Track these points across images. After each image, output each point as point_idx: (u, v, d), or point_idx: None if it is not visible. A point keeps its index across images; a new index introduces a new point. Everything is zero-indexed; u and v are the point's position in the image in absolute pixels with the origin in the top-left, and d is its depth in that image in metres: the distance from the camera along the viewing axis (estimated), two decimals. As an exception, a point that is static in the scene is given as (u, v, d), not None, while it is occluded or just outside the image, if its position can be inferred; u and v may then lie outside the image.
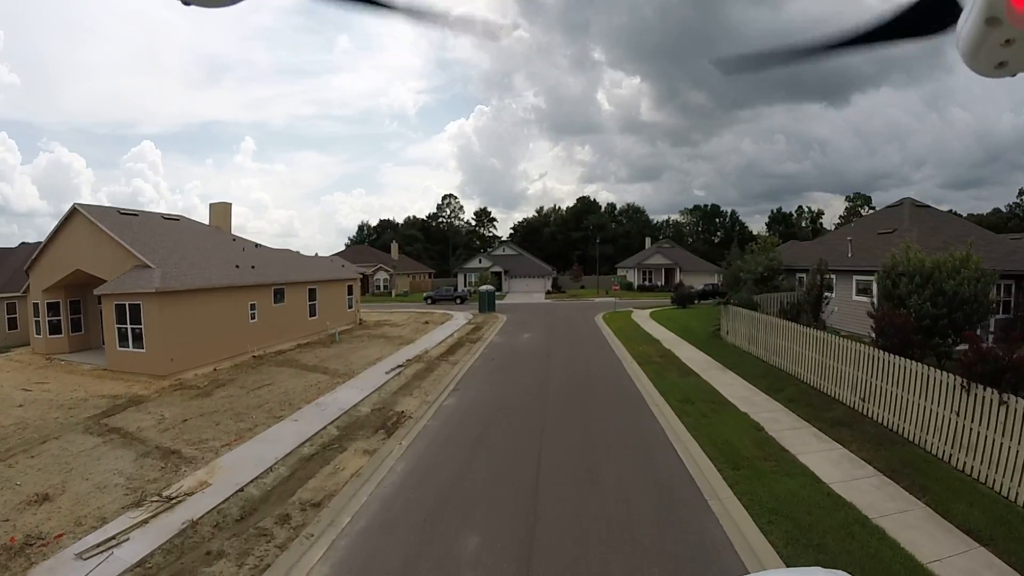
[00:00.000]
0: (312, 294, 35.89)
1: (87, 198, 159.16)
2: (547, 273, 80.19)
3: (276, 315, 31.54)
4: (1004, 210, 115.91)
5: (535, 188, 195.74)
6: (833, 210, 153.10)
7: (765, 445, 13.77)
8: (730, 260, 42.64)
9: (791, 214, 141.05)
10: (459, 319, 44.88)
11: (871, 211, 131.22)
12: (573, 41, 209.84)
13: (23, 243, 41.66)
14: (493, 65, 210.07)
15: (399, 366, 25.68)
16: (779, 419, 15.88)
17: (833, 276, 29.15)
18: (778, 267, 34.05)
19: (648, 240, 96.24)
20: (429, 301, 62.95)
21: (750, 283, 32.20)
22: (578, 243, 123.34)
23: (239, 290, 28.84)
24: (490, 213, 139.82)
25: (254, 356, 28.63)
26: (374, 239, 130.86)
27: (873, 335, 17.65)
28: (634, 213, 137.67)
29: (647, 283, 77.20)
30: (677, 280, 75.98)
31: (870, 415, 15.47)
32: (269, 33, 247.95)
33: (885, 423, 14.80)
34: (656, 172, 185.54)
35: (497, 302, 58.10)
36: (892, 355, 14.78)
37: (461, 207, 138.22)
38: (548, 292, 74.64)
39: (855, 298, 28.44)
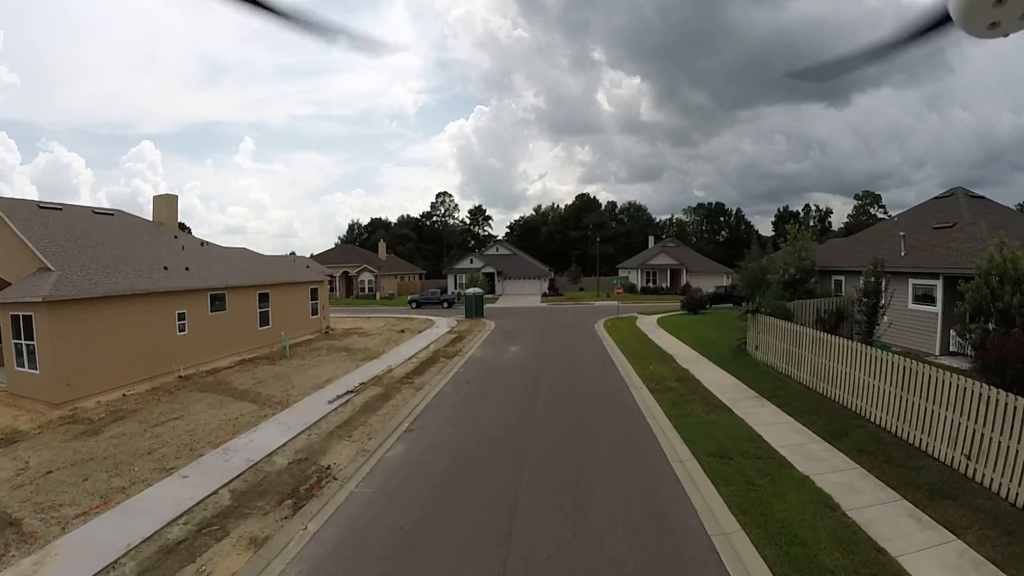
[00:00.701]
0: (264, 299, 30.95)
1: (86, 198, 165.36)
2: (543, 274, 75.21)
3: (214, 326, 26.59)
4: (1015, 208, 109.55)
5: (535, 189, 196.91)
6: (835, 211, 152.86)
7: (849, 540, 8.98)
8: (750, 259, 37.82)
9: (798, 213, 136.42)
10: (441, 327, 39.96)
11: (881, 210, 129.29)
12: (573, 41, 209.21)
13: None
14: (493, 65, 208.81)
15: (350, 391, 20.82)
16: (855, 486, 11.05)
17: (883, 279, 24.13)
18: (811, 268, 29.08)
19: (651, 239, 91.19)
20: (413, 305, 58.11)
21: (776, 286, 27.18)
22: (577, 242, 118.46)
23: (164, 296, 23.91)
24: (485, 211, 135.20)
25: (180, 377, 23.71)
26: (365, 239, 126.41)
27: (938, 352, 12.53)
28: (635, 211, 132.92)
29: (651, 285, 72.18)
30: (684, 282, 71.07)
31: (981, 480, 10.77)
32: (269, 34, 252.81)
33: (1006, 495, 10.13)
34: (656, 172, 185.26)
35: (488, 306, 53.37)
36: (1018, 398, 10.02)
37: (456, 205, 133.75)
38: (544, 295, 69.65)
39: (912, 306, 23.50)
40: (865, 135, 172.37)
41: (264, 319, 31.07)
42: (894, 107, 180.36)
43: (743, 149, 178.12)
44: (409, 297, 60.94)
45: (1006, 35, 2.66)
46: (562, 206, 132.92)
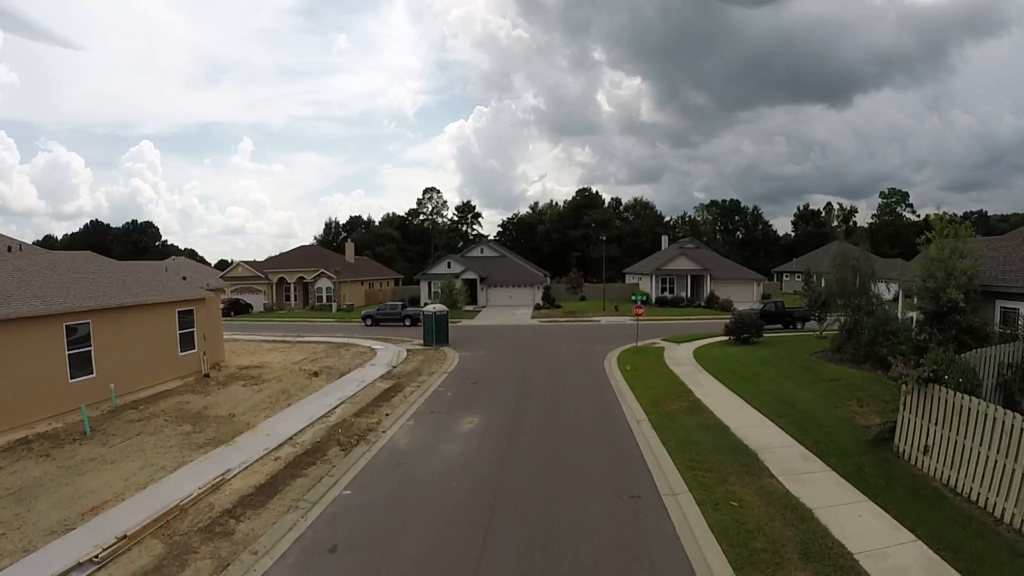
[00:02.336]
0: (78, 336, 19.09)
1: (85, 198, 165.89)
2: (536, 280, 63.45)
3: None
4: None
5: (534, 190, 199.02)
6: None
7: None
8: (845, 261, 26.75)
9: (819, 211, 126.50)
10: (380, 362, 28.81)
11: (908, 209, 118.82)
12: (573, 41, 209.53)
13: None
14: (492, 65, 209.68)
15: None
16: None
17: None
18: (974, 286, 17.60)
19: (664, 239, 79.43)
20: (367, 322, 46.87)
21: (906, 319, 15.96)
22: (577, 243, 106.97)
23: None
24: (474, 207, 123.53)
25: None
26: (343, 239, 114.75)
27: None
28: (642, 209, 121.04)
29: (668, 294, 60.45)
30: (708, 290, 59.31)
31: None
32: (269, 34, 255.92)
33: None
34: (656, 174, 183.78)
35: (464, 324, 42.24)
36: None
37: (445, 202, 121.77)
38: (537, 306, 58.01)
39: None
40: (866, 137, 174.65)
41: (80, 365, 19.33)
42: (895, 109, 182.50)
43: (743, 150, 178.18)
44: (363, 312, 49.21)
45: None
46: (561, 203, 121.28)
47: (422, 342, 34.40)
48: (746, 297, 59.94)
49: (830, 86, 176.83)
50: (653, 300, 59.25)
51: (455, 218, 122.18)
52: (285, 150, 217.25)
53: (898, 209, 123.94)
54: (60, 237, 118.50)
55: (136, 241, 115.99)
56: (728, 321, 33.32)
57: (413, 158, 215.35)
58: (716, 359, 27.10)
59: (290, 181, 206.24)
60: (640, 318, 34.67)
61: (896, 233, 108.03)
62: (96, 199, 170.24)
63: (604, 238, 65.64)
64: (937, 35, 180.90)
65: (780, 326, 39.36)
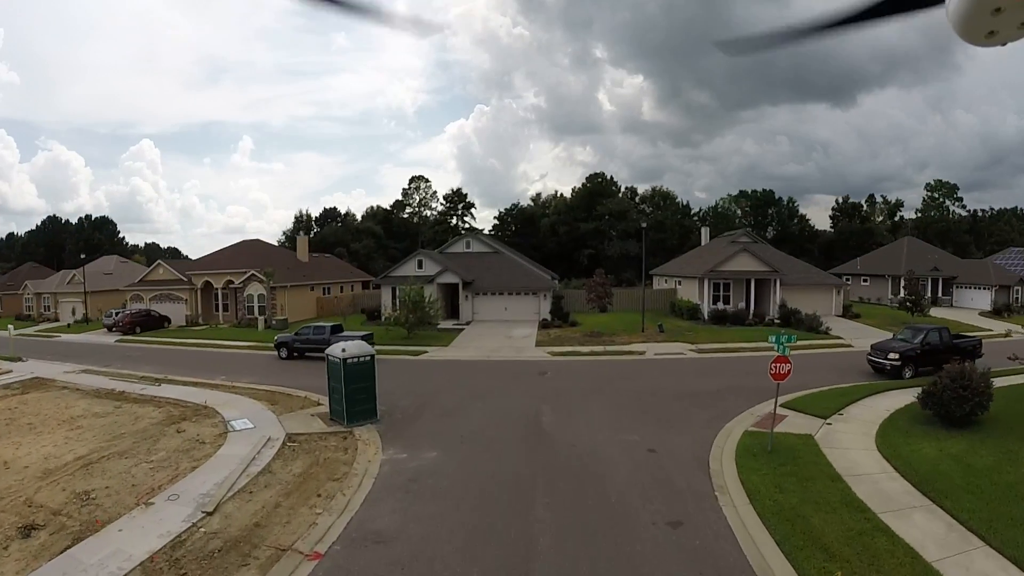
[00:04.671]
0: None
1: (84, 197, 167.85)
2: (543, 286, 47.04)
3: None
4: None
5: (535, 189, 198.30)
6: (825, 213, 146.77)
7: None
8: None
9: (861, 204, 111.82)
10: (194, 488, 12.57)
11: (957, 203, 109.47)
12: (574, 38, 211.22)
13: None
14: (493, 64, 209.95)
15: None
16: None
17: None
18: None
19: (705, 231, 62.47)
20: (282, 353, 31.79)
21: None
22: (589, 238, 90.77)
23: None
24: (466, 196, 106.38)
25: None
26: (315, 234, 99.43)
27: None
28: (662, 199, 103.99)
29: (723, 305, 44.01)
30: (777, 299, 43.08)
31: None
32: (269, 34, 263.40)
33: None
34: (657, 173, 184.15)
35: (435, 355, 29.79)
36: None
37: (434, 193, 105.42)
38: (545, 322, 41.80)
39: None
40: (868, 137, 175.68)
41: None
42: (897, 108, 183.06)
43: (745, 150, 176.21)
44: (277, 338, 32.77)
45: (1004, 44, 2.84)
46: (569, 192, 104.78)
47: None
48: (823, 308, 44.70)
49: (834, 85, 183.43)
50: (705, 315, 42.94)
51: (444, 209, 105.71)
52: (285, 150, 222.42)
53: (947, 203, 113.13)
54: (23, 233, 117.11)
55: (89, 238, 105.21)
56: (926, 390, 16.98)
57: (414, 158, 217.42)
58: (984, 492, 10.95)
59: (290, 181, 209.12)
60: (705, 351, 19.57)
61: (947, 230, 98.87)
62: (96, 198, 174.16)
63: (645, 225, 47.18)
64: (943, 33, 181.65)
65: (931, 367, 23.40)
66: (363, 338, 30.66)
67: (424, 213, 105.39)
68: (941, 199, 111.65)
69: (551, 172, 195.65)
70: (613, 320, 41.69)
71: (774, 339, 17.02)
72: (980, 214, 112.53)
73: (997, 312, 50.97)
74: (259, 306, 47.87)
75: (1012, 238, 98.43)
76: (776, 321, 41.74)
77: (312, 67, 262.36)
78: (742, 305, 44.42)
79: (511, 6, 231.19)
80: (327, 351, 18.72)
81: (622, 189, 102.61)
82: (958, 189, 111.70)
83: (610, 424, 17.89)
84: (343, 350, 17.84)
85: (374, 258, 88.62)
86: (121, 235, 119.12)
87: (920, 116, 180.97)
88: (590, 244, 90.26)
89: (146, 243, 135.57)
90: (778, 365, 15.38)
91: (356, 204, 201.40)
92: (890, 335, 38.58)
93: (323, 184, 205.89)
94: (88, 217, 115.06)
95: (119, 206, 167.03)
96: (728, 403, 20.03)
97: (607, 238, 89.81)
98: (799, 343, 34.23)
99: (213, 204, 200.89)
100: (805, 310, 41.27)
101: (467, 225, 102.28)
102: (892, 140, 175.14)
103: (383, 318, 43.30)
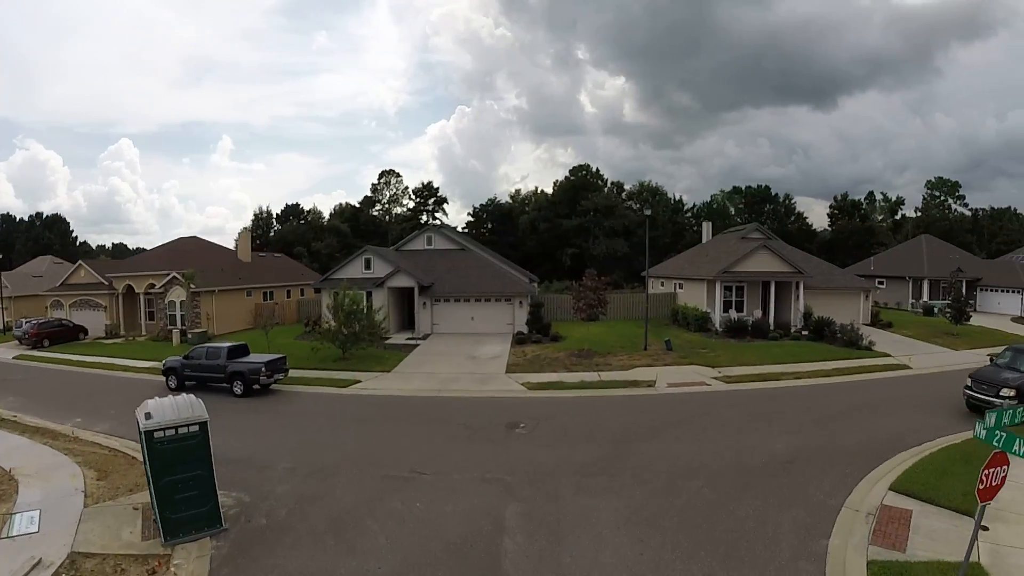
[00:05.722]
0: None
1: (62, 197, 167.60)
2: (518, 291, 39.48)
3: None
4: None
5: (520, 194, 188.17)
6: (815, 215, 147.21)
7: None
8: None
9: (860, 202, 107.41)
10: None
11: (958, 201, 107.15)
12: (557, 39, 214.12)
13: None
14: (475, 65, 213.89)
15: None
16: None
17: None
18: None
19: (707, 227, 54.73)
20: (171, 381, 24.33)
21: None
22: (572, 236, 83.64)
23: None
24: (437, 190, 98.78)
25: None
26: (273, 233, 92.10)
27: None
28: (651, 195, 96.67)
29: (737, 313, 36.96)
30: (801, 305, 36.46)
31: None
32: (253, 34, 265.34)
33: None
34: (639, 175, 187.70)
35: (379, 380, 24.19)
36: None
37: (406, 188, 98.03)
38: (520, 336, 34.46)
39: None
40: (849, 139, 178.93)
41: None
42: (878, 111, 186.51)
43: (727, 152, 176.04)
44: (165, 362, 25.02)
45: None
46: (547, 190, 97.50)
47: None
48: (849, 315, 37.82)
49: (816, 87, 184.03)
50: (718, 325, 35.81)
51: (415, 204, 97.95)
52: (267, 150, 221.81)
53: (949, 201, 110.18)
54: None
55: (39, 236, 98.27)
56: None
57: (395, 159, 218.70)
58: None
59: (271, 181, 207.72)
60: (733, 379, 16.83)
61: (950, 230, 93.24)
62: (73, 198, 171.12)
63: (649, 213, 38.87)
64: (924, 37, 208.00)
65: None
66: (272, 362, 23.23)
67: (395, 211, 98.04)
68: (943, 197, 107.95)
69: (532, 174, 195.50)
70: (605, 333, 34.21)
71: (988, 425, 9.32)
72: (980, 213, 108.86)
73: None
74: (180, 315, 40.14)
75: (1020, 238, 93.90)
76: (804, 333, 34.64)
77: (296, 67, 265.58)
78: (758, 313, 37.31)
79: (493, 6, 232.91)
80: (137, 414, 11.08)
81: (608, 184, 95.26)
82: (960, 187, 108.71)
83: (637, 565, 10.08)
84: (147, 415, 10.23)
85: (337, 258, 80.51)
86: (75, 234, 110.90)
87: (900, 119, 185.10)
88: (574, 242, 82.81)
89: (113, 244, 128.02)
90: (994, 471, 7.94)
91: (334, 205, 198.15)
92: (944, 350, 31.87)
93: (305, 185, 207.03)
94: (39, 215, 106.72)
95: (97, 206, 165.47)
96: (812, 487, 12.89)
97: (592, 236, 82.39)
98: (842, 364, 27.40)
99: (192, 204, 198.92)
100: (831, 318, 34.47)
101: (439, 222, 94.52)
102: (873, 143, 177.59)
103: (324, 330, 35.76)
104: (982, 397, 18.63)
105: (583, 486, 13.29)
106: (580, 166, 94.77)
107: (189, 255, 45.46)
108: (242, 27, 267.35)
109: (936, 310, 44.72)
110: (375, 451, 16.15)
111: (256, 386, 22.36)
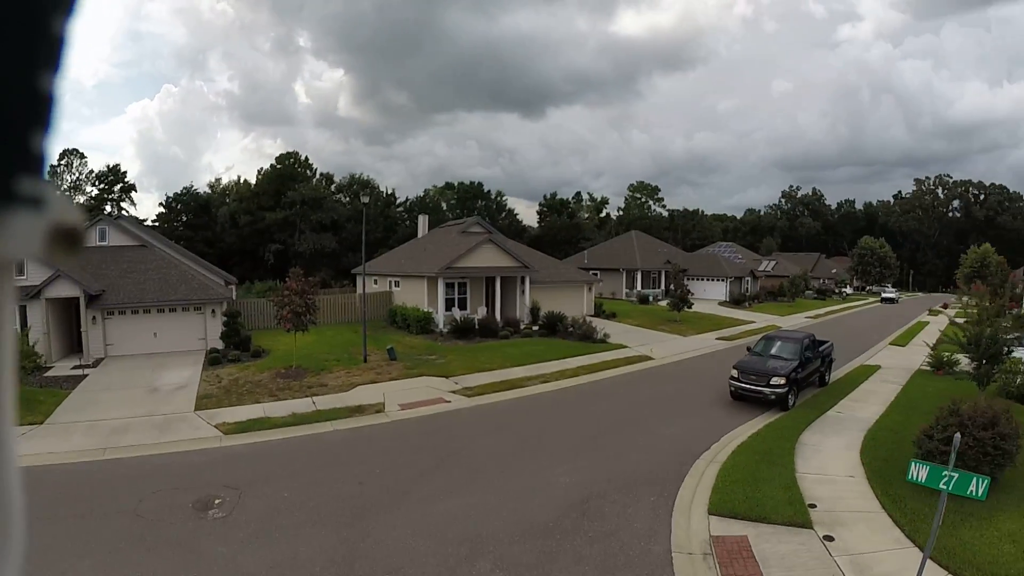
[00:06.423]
0: None
1: None
2: (213, 297, 32.46)
3: None
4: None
5: (221, 184, 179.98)
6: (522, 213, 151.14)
7: None
8: None
9: (568, 201, 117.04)
10: None
11: (658, 203, 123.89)
12: (280, 22, 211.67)
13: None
14: (189, 40, 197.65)
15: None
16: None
17: None
18: None
19: (423, 220, 52.00)
20: None
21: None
22: (277, 231, 77.73)
23: None
24: (125, 175, 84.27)
25: None
26: None
27: None
28: (361, 188, 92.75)
29: (461, 311, 34.75)
30: (527, 302, 36.15)
31: None
32: None
33: None
34: (348, 170, 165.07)
35: (24, 438, 11.21)
36: None
37: (90, 173, 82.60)
38: (215, 355, 27.95)
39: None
40: (552, 147, 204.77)
41: None
42: (581, 124, 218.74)
43: (436, 152, 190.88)
44: None
45: None
46: (251, 180, 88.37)
47: None
48: (575, 308, 38.51)
49: (528, 97, 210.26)
50: (442, 326, 33.02)
51: (98, 192, 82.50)
52: None
53: (649, 202, 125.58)
54: None
55: None
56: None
57: (88, 140, 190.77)
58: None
59: None
60: (474, 391, 17.52)
61: (650, 227, 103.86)
62: None
63: (366, 201, 34.60)
64: (632, 64, 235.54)
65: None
66: None
67: (77, 199, 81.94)
68: (643, 199, 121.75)
69: (238, 165, 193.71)
70: (317, 343, 29.24)
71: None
72: (675, 213, 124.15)
73: (737, 303, 49.84)
74: None
75: (713, 235, 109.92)
76: (536, 329, 33.23)
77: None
78: (483, 310, 35.33)
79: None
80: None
81: (317, 174, 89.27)
82: (659, 190, 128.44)
83: None
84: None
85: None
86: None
87: (600, 132, 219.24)
88: (278, 238, 76.38)
89: None
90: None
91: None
92: (674, 336, 33.00)
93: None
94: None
95: None
96: (624, 533, 10.69)
97: (299, 230, 76.39)
98: (584, 361, 26.06)
99: None
100: (560, 312, 33.70)
101: (127, 214, 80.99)
102: (573, 151, 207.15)
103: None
104: (751, 388, 18.87)
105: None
106: (288, 153, 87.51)
107: None
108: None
109: (651, 298, 47.24)
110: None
111: None
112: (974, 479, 7.52)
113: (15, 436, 0.66)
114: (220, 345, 28.45)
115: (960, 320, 23.68)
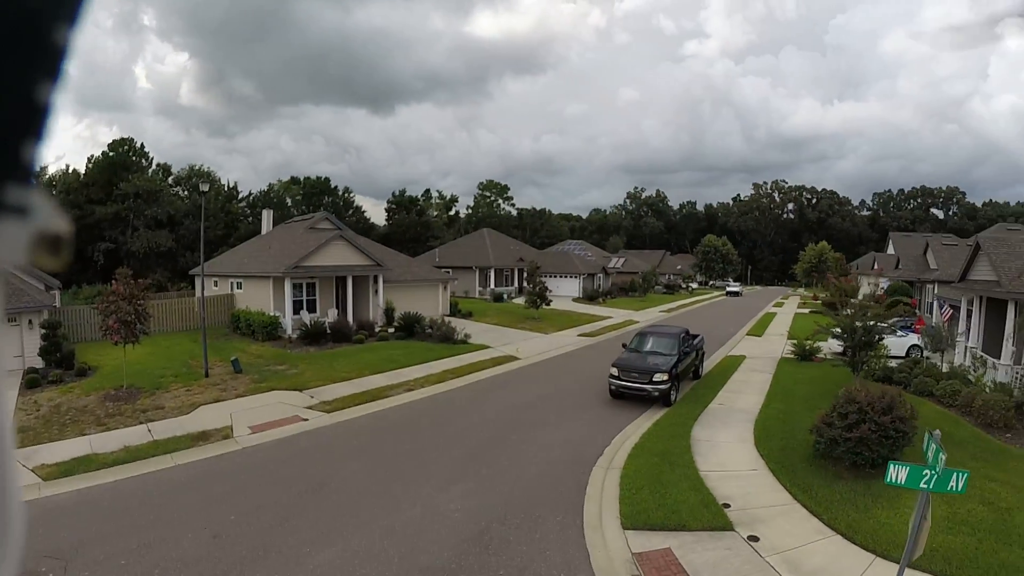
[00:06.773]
0: None
1: None
2: (30, 306, 28.49)
3: None
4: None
5: (47, 175, 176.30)
6: (369, 211, 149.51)
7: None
8: None
9: (417, 199, 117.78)
10: None
11: (508, 201, 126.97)
12: None
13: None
14: None
15: None
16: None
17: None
18: None
19: (267, 215, 48.26)
20: None
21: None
22: (107, 228, 71.49)
23: None
24: None
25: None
26: None
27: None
28: (202, 178, 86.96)
29: (310, 314, 33.15)
30: (381, 302, 35.82)
31: None
32: None
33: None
34: (188, 162, 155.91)
35: None
36: None
37: None
38: (33, 377, 24.68)
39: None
40: (400, 145, 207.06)
41: None
42: (429, 122, 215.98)
43: (282, 146, 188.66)
44: None
45: None
46: (82, 170, 79.94)
47: None
48: (431, 308, 38.39)
49: (377, 93, 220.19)
50: (291, 331, 31.31)
51: None
52: None
53: (499, 201, 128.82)
54: None
55: None
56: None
57: None
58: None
59: None
60: (336, 405, 16.12)
61: (500, 226, 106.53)
62: None
63: (207, 189, 32.07)
64: (484, 65, 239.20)
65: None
66: None
67: None
68: (493, 198, 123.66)
69: (70, 154, 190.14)
70: (151, 356, 26.74)
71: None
72: (523, 212, 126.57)
73: (591, 299, 50.97)
74: None
75: (562, 233, 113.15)
76: (391, 331, 32.19)
77: None
78: (334, 312, 33.82)
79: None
80: None
81: (153, 164, 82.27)
82: (509, 189, 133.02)
83: None
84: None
85: None
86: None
87: (449, 131, 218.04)
88: (108, 235, 69.99)
89: None
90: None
91: None
92: (536, 335, 33.22)
93: None
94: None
95: None
96: (539, 565, 9.79)
97: (131, 227, 70.41)
98: (448, 364, 25.42)
99: None
100: (417, 312, 33.15)
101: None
102: (421, 150, 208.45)
103: None
104: (636, 386, 19.10)
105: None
106: (122, 140, 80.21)
107: None
108: None
109: (506, 296, 47.19)
110: None
111: None
112: (954, 474, 7.66)
113: (13, 436, 0.69)
114: (40, 363, 25.01)
115: (806, 311, 25.87)
